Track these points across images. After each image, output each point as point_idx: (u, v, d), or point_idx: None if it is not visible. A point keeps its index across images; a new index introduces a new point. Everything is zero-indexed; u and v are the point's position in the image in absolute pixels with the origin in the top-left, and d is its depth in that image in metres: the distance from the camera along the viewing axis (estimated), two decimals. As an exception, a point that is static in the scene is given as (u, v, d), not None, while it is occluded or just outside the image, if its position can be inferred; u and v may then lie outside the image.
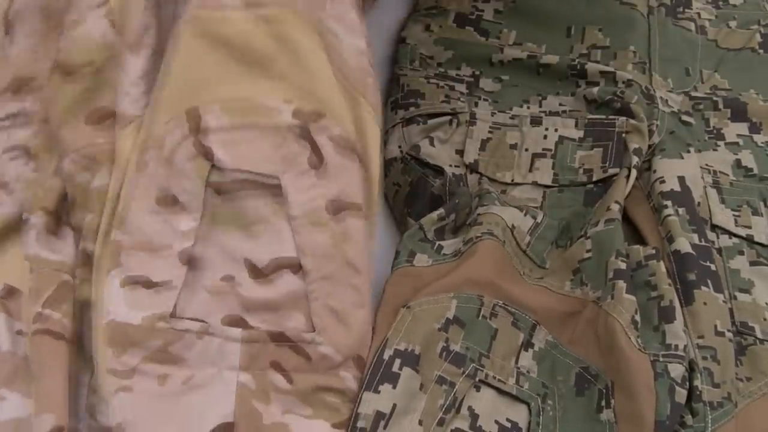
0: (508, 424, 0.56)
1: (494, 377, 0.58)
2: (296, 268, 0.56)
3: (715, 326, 0.61)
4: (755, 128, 0.75)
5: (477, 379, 0.57)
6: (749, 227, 0.68)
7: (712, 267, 0.63)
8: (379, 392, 0.54)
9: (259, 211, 0.56)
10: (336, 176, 0.57)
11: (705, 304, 0.61)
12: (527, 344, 0.60)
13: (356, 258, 0.56)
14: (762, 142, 0.74)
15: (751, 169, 0.72)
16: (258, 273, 0.56)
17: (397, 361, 0.56)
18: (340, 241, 0.56)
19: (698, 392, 0.57)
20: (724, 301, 0.62)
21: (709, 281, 0.62)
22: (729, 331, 0.61)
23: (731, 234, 0.68)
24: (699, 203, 0.68)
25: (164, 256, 0.56)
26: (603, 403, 0.57)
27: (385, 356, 0.56)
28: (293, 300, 0.56)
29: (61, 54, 0.61)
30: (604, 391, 0.57)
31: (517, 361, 0.59)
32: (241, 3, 0.57)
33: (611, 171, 0.69)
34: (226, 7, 0.57)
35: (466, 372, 0.57)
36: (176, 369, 0.54)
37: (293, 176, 0.56)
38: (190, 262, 0.56)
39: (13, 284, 0.59)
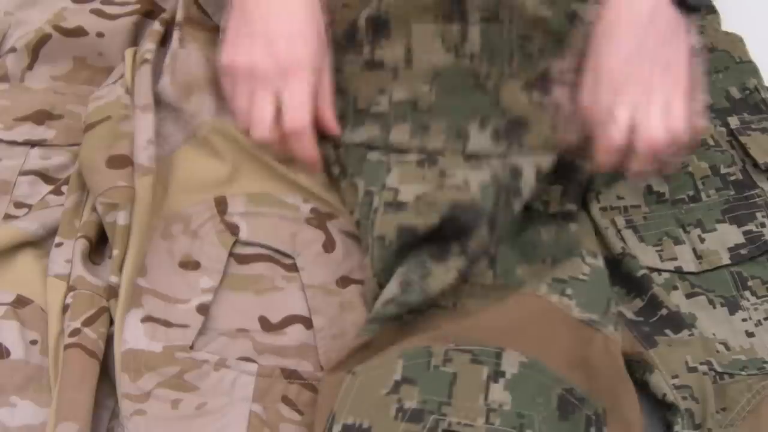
0: None
1: (459, 422, 0.55)
2: (308, 324, 0.61)
3: (686, 362, 0.59)
4: None
5: (440, 429, 0.54)
6: (675, 259, 0.66)
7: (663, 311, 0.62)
8: None
9: (275, 282, 0.62)
10: (345, 259, 0.64)
11: (669, 345, 0.60)
12: (495, 375, 0.57)
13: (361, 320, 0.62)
14: None
15: (663, 194, 0.69)
16: (271, 327, 0.61)
17: None
18: (347, 308, 0.62)
19: None
20: (689, 335, 0.61)
21: (665, 329, 0.61)
22: (702, 364, 0.59)
23: (660, 270, 0.65)
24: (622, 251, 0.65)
25: (183, 308, 0.60)
26: (592, 430, 0.55)
27: None
28: (303, 350, 0.60)
29: (84, 117, 0.67)
30: (593, 417, 0.56)
31: (486, 397, 0.56)
32: None
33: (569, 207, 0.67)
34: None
35: (427, 426, 0.54)
36: (189, 395, 0.57)
37: (308, 257, 0.63)
38: (207, 314, 0.60)
39: (26, 295, 0.61)
